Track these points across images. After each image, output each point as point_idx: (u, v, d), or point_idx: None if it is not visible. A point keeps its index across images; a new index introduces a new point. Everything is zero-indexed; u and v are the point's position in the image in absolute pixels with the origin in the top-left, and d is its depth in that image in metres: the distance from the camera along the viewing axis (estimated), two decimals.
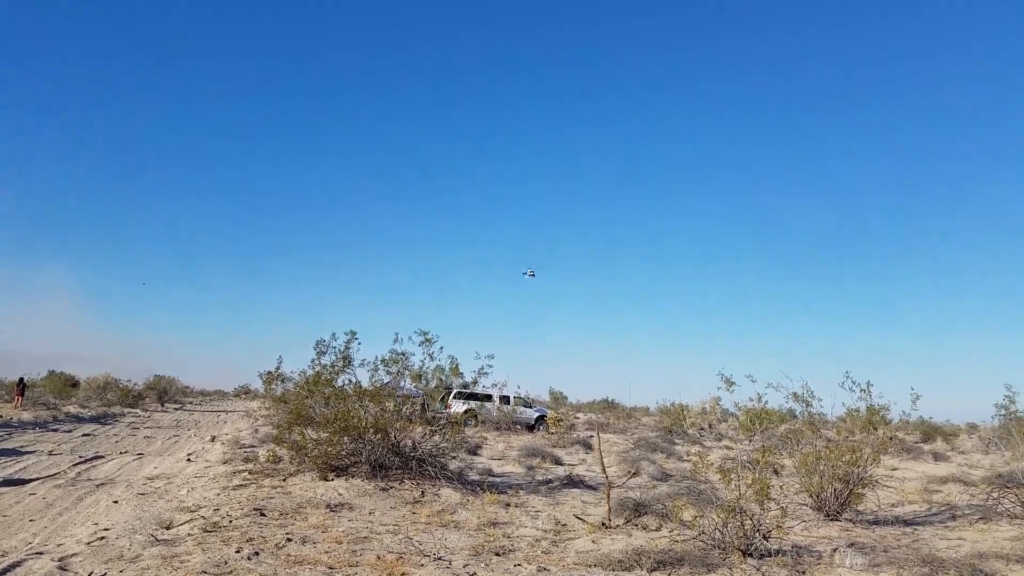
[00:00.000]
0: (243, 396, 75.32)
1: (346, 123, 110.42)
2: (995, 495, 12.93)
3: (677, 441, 28.89)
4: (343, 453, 12.95)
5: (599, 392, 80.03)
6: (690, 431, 35.74)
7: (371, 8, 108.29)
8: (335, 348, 14.06)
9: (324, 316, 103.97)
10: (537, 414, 32.65)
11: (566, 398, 62.44)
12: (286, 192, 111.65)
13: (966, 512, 12.63)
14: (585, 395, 65.74)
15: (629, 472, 15.52)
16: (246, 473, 13.30)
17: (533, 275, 51.03)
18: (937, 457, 25.74)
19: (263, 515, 9.36)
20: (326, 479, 12.43)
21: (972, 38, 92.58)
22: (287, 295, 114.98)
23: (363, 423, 12.69)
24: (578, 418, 43.73)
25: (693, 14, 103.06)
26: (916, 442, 32.41)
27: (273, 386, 16.50)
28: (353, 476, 12.58)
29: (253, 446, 18.73)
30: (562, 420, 29.71)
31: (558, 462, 18.81)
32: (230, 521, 8.90)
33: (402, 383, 14.13)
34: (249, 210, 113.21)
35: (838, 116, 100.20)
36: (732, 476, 8.75)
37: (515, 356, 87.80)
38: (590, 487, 14.42)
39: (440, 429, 13.58)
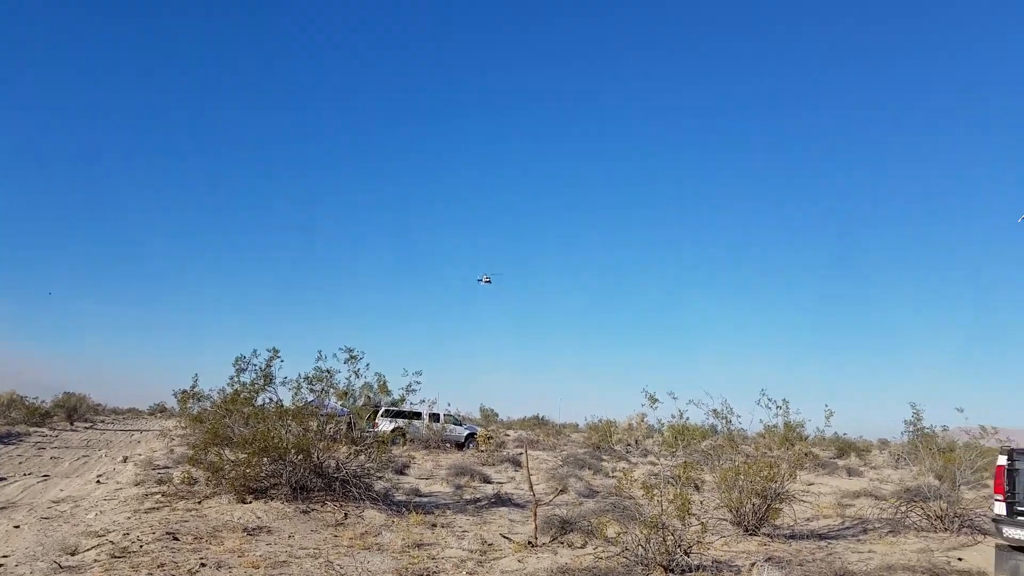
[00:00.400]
0: (158, 415, 72.28)
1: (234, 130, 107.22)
2: (903, 509, 13.54)
3: (605, 457, 29.19)
4: (262, 475, 12.52)
5: (530, 409, 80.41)
6: (617, 447, 36.18)
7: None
8: (256, 366, 13.60)
9: (246, 333, 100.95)
10: (467, 432, 32.44)
11: (497, 415, 62.30)
12: (205, 199, 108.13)
13: (876, 526, 13.17)
14: (516, 412, 65.89)
15: (557, 489, 15.57)
16: (159, 495, 12.70)
17: (489, 281, 50.23)
18: (851, 472, 26.82)
19: (176, 539, 8.93)
20: (244, 502, 11.99)
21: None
22: (206, 311, 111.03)
23: (284, 443, 12.31)
24: (508, 435, 43.74)
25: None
26: (831, 457, 33.69)
27: (189, 405, 15.82)
28: (273, 498, 12.17)
29: (167, 467, 17.93)
30: (492, 438, 29.63)
31: (487, 480, 18.71)
32: (140, 546, 8.47)
33: (327, 401, 13.78)
34: (170, 220, 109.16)
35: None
36: (655, 492, 8.87)
37: (446, 373, 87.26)
38: (518, 505, 14.38)
39: (366, 449, 13.31)
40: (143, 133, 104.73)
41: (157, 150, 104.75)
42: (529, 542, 10.02)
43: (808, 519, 14.00)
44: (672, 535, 8.37)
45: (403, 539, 10.00)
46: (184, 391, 16.17)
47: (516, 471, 22.01)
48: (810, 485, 21.45)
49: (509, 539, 10.36)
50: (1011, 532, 7.99)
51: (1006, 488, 8.17)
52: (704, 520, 9.80)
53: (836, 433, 47.04)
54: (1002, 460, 8.32)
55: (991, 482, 8.89)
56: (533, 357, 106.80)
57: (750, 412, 13.62)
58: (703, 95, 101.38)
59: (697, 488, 11.57)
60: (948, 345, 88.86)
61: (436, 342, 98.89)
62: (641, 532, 8.42)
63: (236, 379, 13.85)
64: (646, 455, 33.45)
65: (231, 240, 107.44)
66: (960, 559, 10.31)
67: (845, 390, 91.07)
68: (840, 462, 31.02)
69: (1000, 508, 8.21)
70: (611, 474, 21.51)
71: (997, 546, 8.26)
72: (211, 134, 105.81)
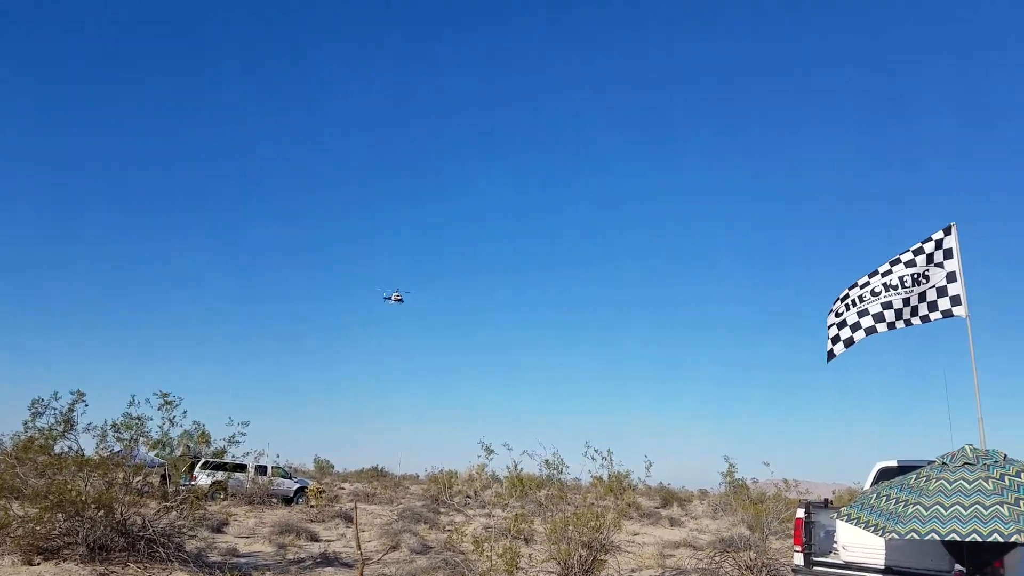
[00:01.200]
0: None
1: None
2: (717, 559, 14.33)
3: (443, 510, 28.73)
4: (55, 532, 11.16)
5: (369, 460, 77.70)
6: (456, 499, 35.77)
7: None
8: (55, 410, 12.21)
9: (49, 375, 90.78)
10: (297, 485, 30.78)
11: (332, 467, 59.79)
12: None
13: (693, 575, 13.83)
14: (353, 463, 63.41)
15: (388, 546, 15.06)
16: None
17: (400, 300, 45.63)
18: (673, 522, 28.15)
19: None
20: (31, 563, 10.65)
21: None
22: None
23: (83, 498, 11.06)
24: (343, 488, 41.96)
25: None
26: (655, 507, 35.20)
27: None
28: (66, 559, 10.88)
29: None
30: (324, 491, 28.26)
31: (314, 538, 17.74)
32: None
33: (136, 451, 12.57)
34: None
35: None
36: (484, 546, 8.80)
37: (276, 422, 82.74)
38: (346, 564, 13.72)
39: (178, 504, 12.21)
40: None
41: None
42: None
43: (632, 570, 14.44)
44: None
45: None
46: None
47: (348, 527, 21.08)
48: (635, 535, 22.24)
49: None
50: None
51: (804, 540, 8.87)
52: (532, 574, 9.84)
53: (661, 483, 49.54)
54: (800, 513, 9.05)
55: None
56: (373, 405, 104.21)
57: (581, 463, 13.98)
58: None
59: (527, 541, 11.66)
60: (757, 400, 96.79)
61: (268, 388, 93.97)
62: None
63: (31, 423, 12.38)
64: (484, 506, 33.30)
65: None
66: None
67: (672, 440, 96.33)
68: (663, 512, 32.46)
69: (798, 559, 8.88)
70: (447, 528, 21.16)
71: None
72: None
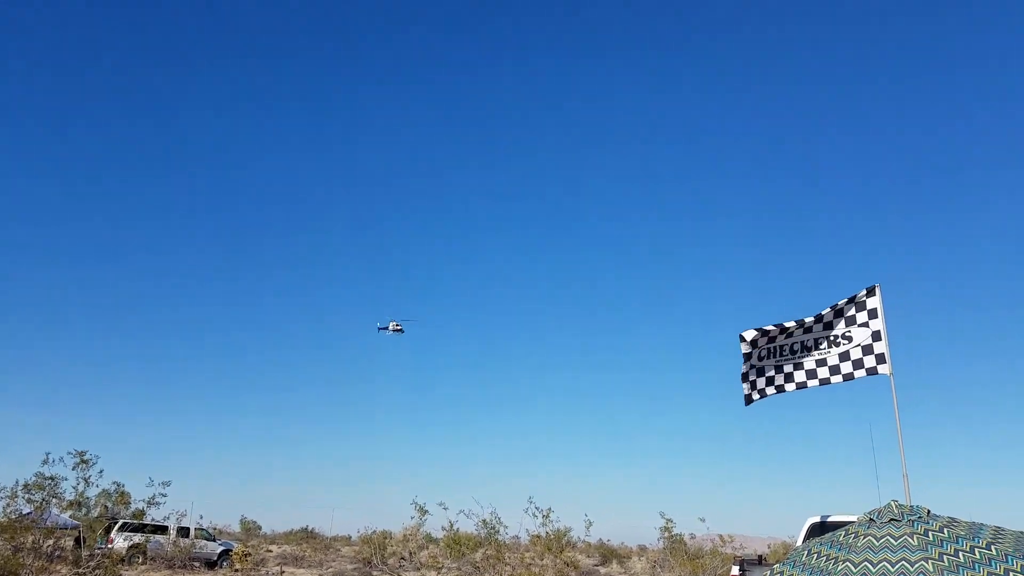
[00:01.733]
0: None
1: None
2: None
3: (375, 573, 27.78)
4: None
5: (298, 521, 74.80)
6: (390, 561, 34.65)
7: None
8: None
9: None
10: (221, 548, 29.31)
11: (259, 528, 57.39)
12: None
13: None
14: (282, 524, 60.96)
15: None
16: None
17: (401, 330, 37.91)
18: None
19: None
20: None
21: None
22: None
23: None
24: (270, 551, 40.22)
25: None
26: (595, 564, 34.86)
27: None
28: None
29: None
30: (250, 554, 27.05)
31: None
32: None
33: (49, 513, 11.83)
34: None
35: None
36: None
37: (200, 481, 79.00)
38: None
39: (92, 569, 11.49)
40: None
41: None
42: None
43: None
44: None
45: None
46: None
47: None
48: None
49: None
50: None
51: None
52: None
53: (600, 539, 49.25)
54: (735, 570, 9.13)
55: None
56: (301, 462, 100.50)
57: (520, 521, 13.73)
58: None
59: None
60: (692, 452, 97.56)
61: (191, 446, 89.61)
62: None
63: None
64: (419, 568, 32.33)
65: None
66: None
67: (611, 496, 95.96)
68: (602, 569, 32.17)
69: None
70: None
71: None
72: None
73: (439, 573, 21.56)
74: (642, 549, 54.19)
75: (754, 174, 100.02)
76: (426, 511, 21.32)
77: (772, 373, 9.53)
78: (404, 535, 40.49)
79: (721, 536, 15.83)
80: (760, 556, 10.71)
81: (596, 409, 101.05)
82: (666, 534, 28.43)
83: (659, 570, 28.57)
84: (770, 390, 9.53)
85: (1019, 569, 5.46)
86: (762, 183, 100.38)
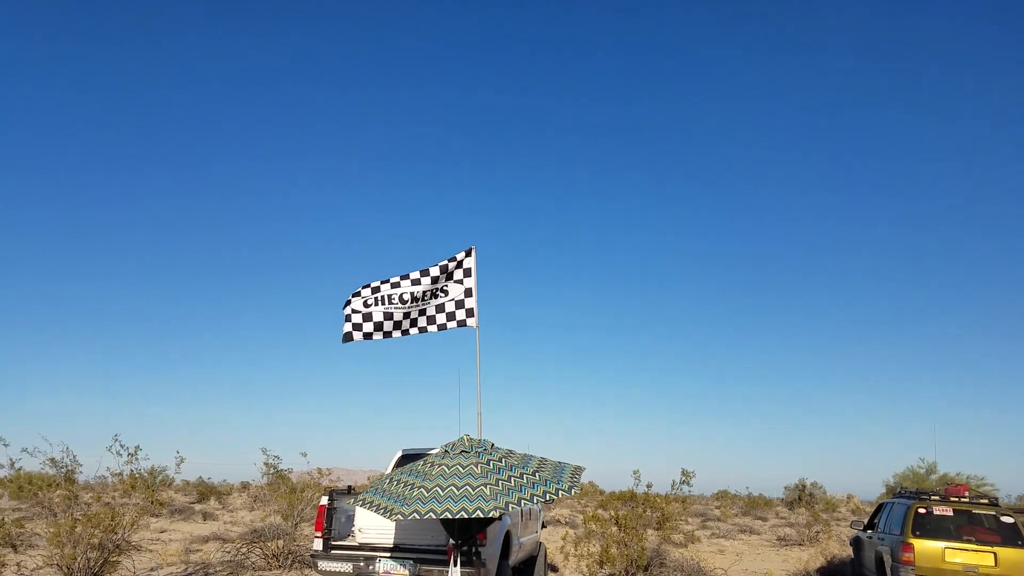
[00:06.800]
0: None
1: None
2: (243, 550, 14.24)
3: None
4: None
5: None
6: None
7: None
8: None
9: None
10: None
11: None
12: None
13: (219, 569, 13.49)
14: None
15: None
16: None
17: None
18: (207, 516, 27.01)
19: None
20: None
21: None
22: None
23: None
24: None
25: None
26: (191, 502, 33.34)
27: None
28: None
29: None
30: None
31: None
32: None
33: None
34: None
35: None
36: None
37: None
38: None
39: None
40: None
41: None
42: None
43: (151, 568, 13.48)
44: None
45: None
46: None
47: None
48: (162, 532, 20.78)
49: None
50: (325, 565, 9.16)
51: (324, 525, 9.40)
52: None
53: (200, 477, 47.10)
54: (324, 500, 9.59)
55: None
56: None
57: (98, 459, 12.25)
58: None
59: (15, 548, 10.01)
60: (294, 387, 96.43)
61: None
62: None
63: None
64: None
65: None
66: None
67: (211, 435, 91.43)
68: (198, 507, 30.91)
69: (318, 544, 9.35)
70: None
71: None
72: None
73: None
74: (244, 486, 53.10)
75: None
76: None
77: (381, 319, 10.33)
78: None
79: (319, 469, 16.43)
80: (349, 487, 11.41)
81: (188, 338, 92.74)
82: (270, 470, 28.38)
83: (258, 503, 28.48)
84: (377, 335, 10.36)
85: (554, 492, 6.80)
86: None
